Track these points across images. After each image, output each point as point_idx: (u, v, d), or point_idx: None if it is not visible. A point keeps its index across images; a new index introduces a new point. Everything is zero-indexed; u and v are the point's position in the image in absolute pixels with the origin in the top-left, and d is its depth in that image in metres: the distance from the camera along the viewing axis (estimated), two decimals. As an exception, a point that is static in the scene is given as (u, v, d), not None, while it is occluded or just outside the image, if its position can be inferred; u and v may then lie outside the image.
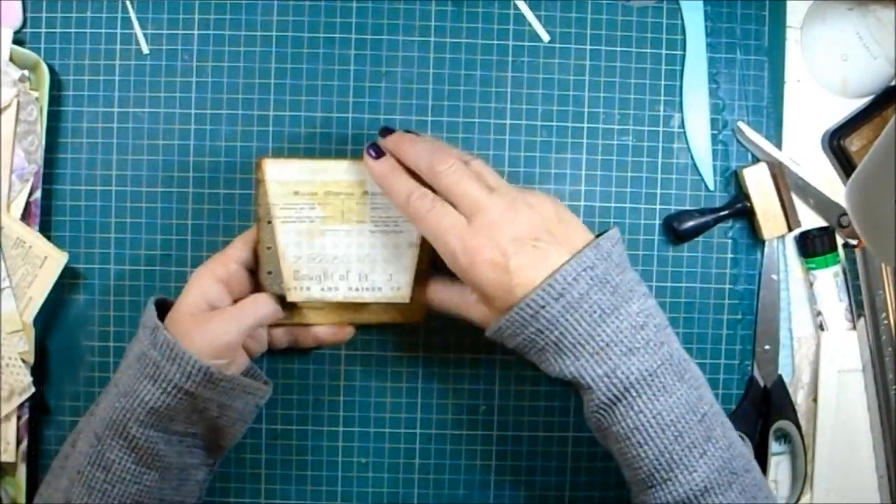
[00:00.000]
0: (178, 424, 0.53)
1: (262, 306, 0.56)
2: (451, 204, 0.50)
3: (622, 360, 0.48)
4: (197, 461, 0.56)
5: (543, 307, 0.48)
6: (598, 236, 0.50)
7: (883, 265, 0.63)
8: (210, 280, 0.55)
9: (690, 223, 0.63)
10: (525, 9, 0.63)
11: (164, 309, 0.55)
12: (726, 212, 0.63)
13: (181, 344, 0.52)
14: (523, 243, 0.49)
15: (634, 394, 0.47)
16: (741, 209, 0.63)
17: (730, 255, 0.65)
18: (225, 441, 0.57)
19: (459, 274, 0.51)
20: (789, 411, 0.64)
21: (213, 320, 0.54)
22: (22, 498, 0.60)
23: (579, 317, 0.48)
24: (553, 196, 0.53)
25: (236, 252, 0.57)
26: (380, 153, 0.53)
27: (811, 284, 0.65)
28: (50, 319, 0.62)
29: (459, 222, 0.50)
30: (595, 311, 0.48)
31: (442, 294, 0.56)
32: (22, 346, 0.59)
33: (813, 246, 0.64)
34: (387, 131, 0.54)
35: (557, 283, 0.47)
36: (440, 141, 0.56)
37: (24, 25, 0.62)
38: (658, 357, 0.48)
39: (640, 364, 0.48)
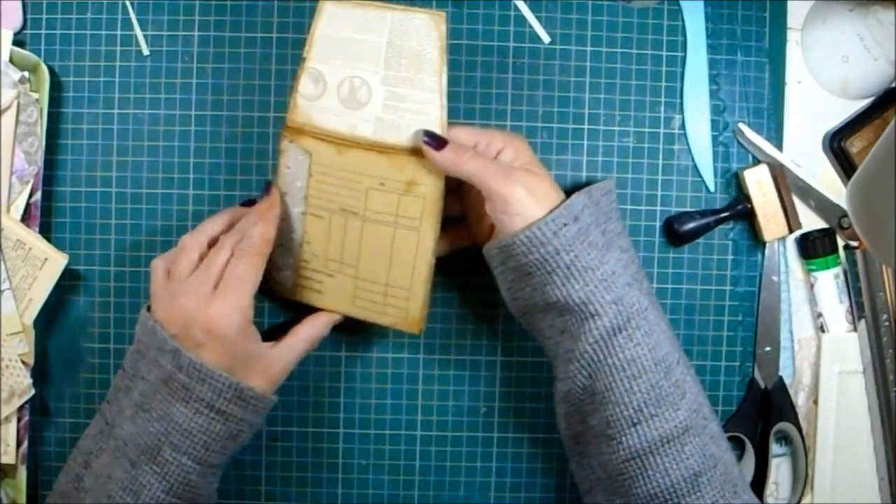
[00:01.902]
0: (213, 456, 0.53)
1: (320, 329, 0.57)
2: None
3: (626, 290, 0.50)
4: (216, 486, 0.56)
5: (564, 226, 0.49)
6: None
7: (884, 266, 0.63)
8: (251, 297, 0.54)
9: (691, 225, 0.63)
10: (525, 10, 0.63)
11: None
12: (727, 213, 0.63)
13: (207, 364, 0.51)
14: (544, 175, 0.53)
15: (635, 324, 0.49)
16: (742, 211, 0.63)
17: (730, 257, 0.65)
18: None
19: (490, 191, 0.51)
20: (790, 413, 0.64)
21: (273, 354, 0.55)
22: (22, 499, 0.60)
23: (590, 243, 0.50)
24: None
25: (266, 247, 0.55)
26: (440, 143, 0.54)
27: (812, 286, 0.65)
28: (50, 321, 0.62)
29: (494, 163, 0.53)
30: (598, 243, 0.50)
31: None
32: (22, 347, 0.59)
33: (814, 247, 0.64)
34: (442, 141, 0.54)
35: (574, 207, 0.50)
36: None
37: (24, 27, 0.62)
38: (646, 293, 0.51)
39: (638, 295, 0.50)
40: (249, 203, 0.58)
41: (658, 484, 0.49)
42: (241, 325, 0.52)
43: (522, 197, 0.50)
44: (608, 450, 0.50)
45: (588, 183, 0.55)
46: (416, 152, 0.55)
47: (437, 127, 0.54)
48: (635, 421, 0.49)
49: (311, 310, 0.59)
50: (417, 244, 0.56)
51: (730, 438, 0.65)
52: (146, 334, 0.53)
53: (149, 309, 0.55)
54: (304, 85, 0.56)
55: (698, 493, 0.49)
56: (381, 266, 0.57)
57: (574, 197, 0.51)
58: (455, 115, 0.63)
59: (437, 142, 0.53)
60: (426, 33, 0.54)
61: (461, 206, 0.59)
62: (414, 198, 0.55)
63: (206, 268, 0.53)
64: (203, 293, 0.52)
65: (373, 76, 0.55)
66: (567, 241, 0.49)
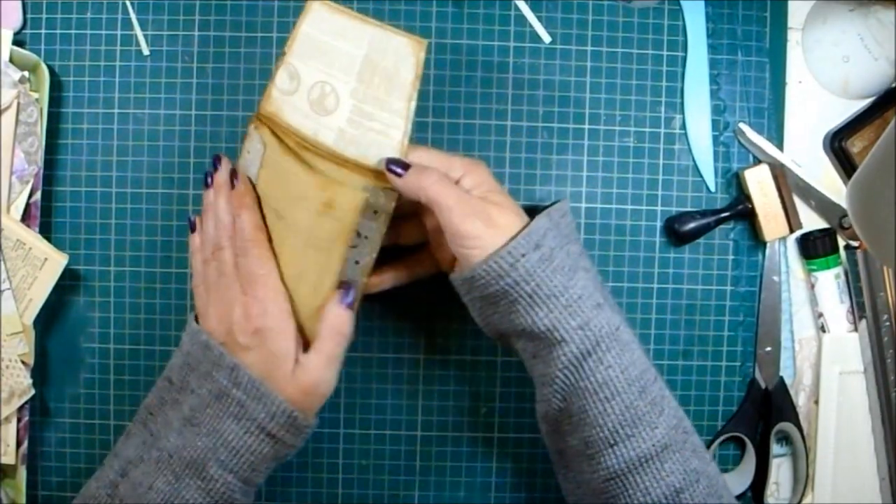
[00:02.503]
0: (258, 476, 0.52)
1: (347, 327, 0.53)
2: None
3: (593, 314, 0.49)
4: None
5: (524, 255, 0.49)
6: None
7: (884, 266, 0.63)
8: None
9: (691, 224, 0.63)
10: (526, 10, 0.63)
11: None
12: (727, 213, 0.63)
13: (267, 384, 0.51)
14: (505, 203, 0.52)
15: (605, 347, 0.49)
16: (742, 211, 0.63)
17: (731, 257, 0.65)
18: None
19: (448, 223, 0.50)
20: (791, 413, 0.64)
21: (306, 362, 0.52)
22: (22, 499, 0.60)
23: (553, 269, 0.49)
24: None
25: None
26: (404, 168, 0.52)
27: (812, 286, 0.65)
28: (50, 321, 0.62)
29: (456, 188, 0.51)
30: (564, 266, 0.50)
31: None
32: (22, 347, 0.59)
33: (814, 247, 0.64)
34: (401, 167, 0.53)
35: (534, 234, 0.49)
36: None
37: (24, 27, 0.62)
38: (617, 313, 0.51)
39: (608, 318, 0.50)
40: (209, 179, 0.56)
41: (640, 502, 0.48)
42: (279, 315, 0.52)
43: (480, 230, 0.49)
44: (589, 469, 0.50)
45: (543, 206, 0.53)
46: (372, 172, 0.53)
47: (398, 152, 0.53)
48: (612, 442, 0.48)
49: None
50: (324, 267, 0.54)
51: (730, 438, 0.65)
52: (198, 348, 0.53)
53: (196, 320, 0.55)
54: (281, 78, 0.55)
55: None
56: (292, 278, 0.55)
57: (534, 223, 0.50)
58: (455, 114, 0.63)
59: (401, 167, 0.51)
60: (404, 57, 0.53)
61: (421, 232, 0.57)
62: (332, 220, 0.53)
63: (221, 273, 0.53)
64: (232, 297, 0.52)
65: (343, 86, 0.54)
66: (527, 271, 0.49)
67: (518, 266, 0.49)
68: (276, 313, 0.52)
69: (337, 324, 0.53)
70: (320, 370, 0.52)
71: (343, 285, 0.53)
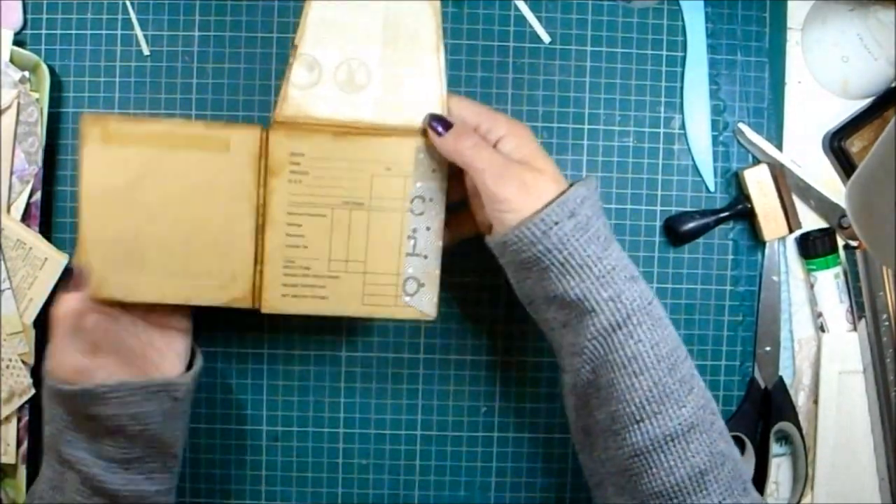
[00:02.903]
0: (108, 449, 0.52)
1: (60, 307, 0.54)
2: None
3: (626, 286, 0.49)
4: (155, 487, 0.54)
5: (557, 223, 0.48)
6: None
7: (884, 266, 0.63)
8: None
9: (691, 224, 0.63)
10: (526, 10, 0.63)
11: None
12: (727, 213, 0.63)
13: (56, 384, 0.52)
14: (545, 169, 0.51)
15: (636, 321, 0.48)
16: (742, 210, 0.63)
17: (730, 257, 0.65)
18: (170, 448, 0.55)
19: (483, 187, 0.51)
20: (790, 413, 0.64)
21: (50, 352, 0.54)
22: (22, 499, 0.60)
23: (588, 238, 0.49)
24: None
25: None
26: (446, 126, 0.53)
27: (812, 286, 0.65)
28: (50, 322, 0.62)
29: (496, 153, 0.51)
30: (600, 236, 0.49)
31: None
32: (22, 347, 0.59)
33: (814, 247, 0.64)
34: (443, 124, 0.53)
35: (570, 202, 0.49)
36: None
37: (24, 27, 0.62)
38: (649, 289, 0.50)
39: (641, 291, 0.49)
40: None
41: (663, 482, 0.48)
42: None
43: (514, 195, 0.50)
44: (614, 445, 0.50)
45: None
46: (420, 132, 0.54)
47: (438, 106, 0.54)
48: (638, 418, 0.48)
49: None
50: (395, 231, 0.55)
51: (730, 438, 0.65)
52: None
53: None
54: (297, 74, 0.54)
55: (704, 492, 0.48)
56: (392, 256, 0.55)
57: (571, 191, 0.50)
58: (455, 114, 0.63)
59: (443, 125, 0.52)
60: (421, 12, 0.54)
61: (463, 191, 0.57)
62: (392, 178, 0.54)
63: None
64: None
65: (371, 58, 0.54)
66: (560, 239, 0.49)
67: (551, 233, 0.49)
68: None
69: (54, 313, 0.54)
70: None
71: None
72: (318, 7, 0.54)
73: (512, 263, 0.52)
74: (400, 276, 0.55)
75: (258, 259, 0.55)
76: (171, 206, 0.54)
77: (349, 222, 0.55)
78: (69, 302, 0.53)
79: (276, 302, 0.55)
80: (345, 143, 0.54)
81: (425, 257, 0.55)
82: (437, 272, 0.55)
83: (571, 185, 0.51)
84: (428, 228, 0.55)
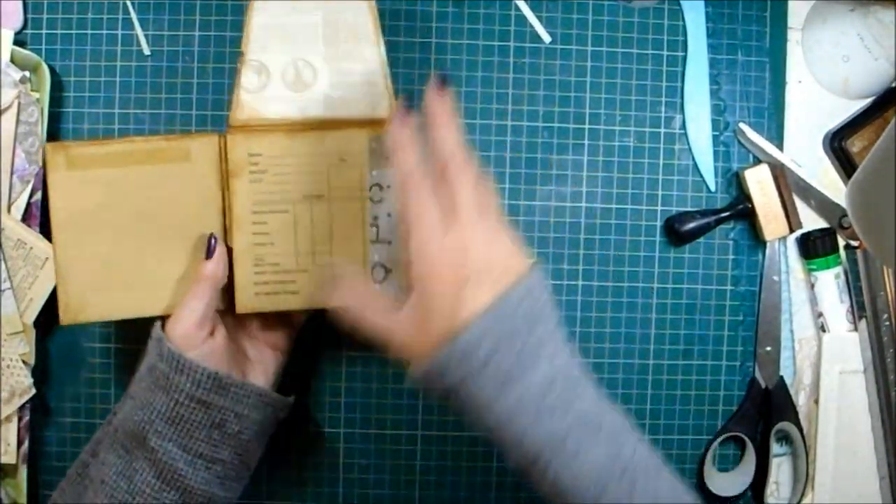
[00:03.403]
0: (200, 444, 0.52)
1: (209, 272, 0.54)
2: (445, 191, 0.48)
3: (529, 427, 0.45)
4: (224, 493, 0.54)
5: (448, 369, 0.45)
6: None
7: (884, 266, 0.63)
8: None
9: (691, 224, 0.63)
10: (526, 10, 0.63)
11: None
12: (727, 213, 0.63)
13: (186, 354, 0.51)
14: (484, 278, 0.46)
15: (547, 458, 0.45)
16: (742, 210, 0.63)
17: (731, 257, 0.65)
18: (251, 459, 0.56)
19: (412, 275, 0.48)
20: (790, 413, 0.64)
21: (177, 312, 0.53)
22: (23, 499, 0.60)
23: (483, 383, 0.45)
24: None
25: None
26: (406, 116, 0.49)
27: (812, 286, 0.65)
28: (51, 321, 0.62)
29: (437, 227, 0.47)
30: (498, 377, 0.45)
31: (356, 299, 0.51)
32: (22, 347, 0.59)
33: (814, 247, 0.64)
34: (442, 82, 0.49)
35: (458, 346, 0.44)
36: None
37: (25, 27, 0.62)
38: (569, 417, 0.45)
39: (547, 429, 0.45)
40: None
41: None
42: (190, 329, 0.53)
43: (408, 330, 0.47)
44: None
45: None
46: (370, 123, 0.55)
47: (385, 96, 0.56)
48: None
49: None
50: (353, 219, 0.56)
51: (730, 438, 0.65)
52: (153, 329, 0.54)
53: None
54: (247, 78, 0.56)
55: None
56: (357, 245, 0.56)
57: (469, 332, 0.44)
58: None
59: (402, 117, 0.49)
60: (358, 6, 0.56)
61: None
62: (347, 170, 0.55)
63: None
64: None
65: (315, 56, 0.56)
66: (456, 382, 0.45)
67: (445, 376, 0.45)
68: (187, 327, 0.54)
69: (200, 276, 0.54)
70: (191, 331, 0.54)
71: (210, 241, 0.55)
72: (260, 13, 0.56)
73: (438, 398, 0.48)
74: (367, 265, 0.56)
75: (229, 261, 0.56)
76: (140, 220, 0.55)
77: (311, 215, 0.56)
78: (218, 265, 0.54)
79: (249, 301, 0.56)
80: (299, 139, 0.56)
81: (389, 243, 0.56)
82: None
83: (468, 325, 0.45)
84: (389, 215, 0.56)
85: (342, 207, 0.56)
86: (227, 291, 0.56)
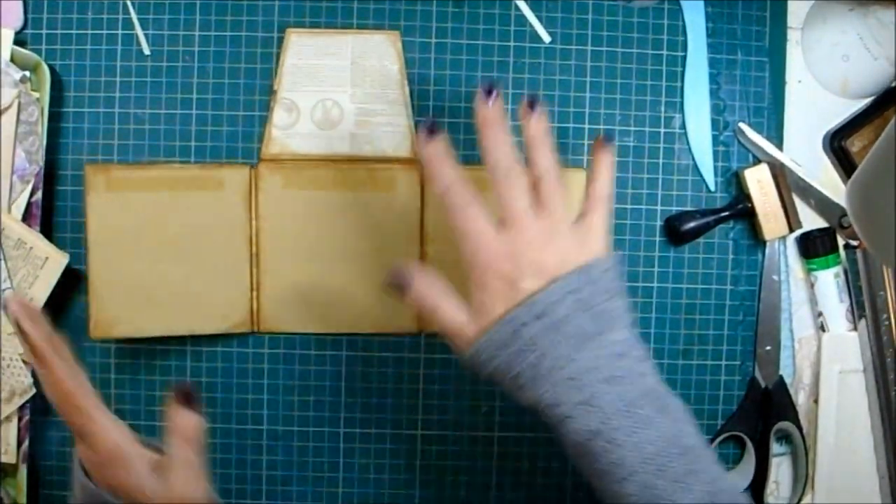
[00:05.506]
0: None
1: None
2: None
3: (601, 388, 0.45)
4: None
5: (524, 325, 0.45)
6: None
7: (884, 266, 0.63)
8: None
9: (691, 224, 0.63)
10: (526, 9, 0.63)
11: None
12: (727, 213, 0.63)
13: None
14: (542, 273, 0.47)
15: (615, 424, 0.45)
16: (742, 210, 0.63)
17: (731, 256, 0.65)
18: None
19: (470, 276, 0.48)
20: (790, 412, 0.64)
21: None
22: (23, 499, 0.60)
23: (560, 339, 0.45)
24: (605, 244, 0.49)
25: None
26: (432, 131, 0.49)
27: (812, 285, 0.65)
28: (51, 320, 0.62)
29: (488, 230, 0.48)
30: (576, 336, 0.46)
31: (427, 290, 0.50)
32: (23, 347, 0.59)
33: (814, 247, 0.64)
34: (532, 104, 0.50)
35: (539, 303, 0.46)
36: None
37: (25, 26, 0.62)
38: (638, 387, 0.46)
39: (619, 392, 0.45)
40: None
41: None
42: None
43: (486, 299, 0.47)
44: None
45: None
46: (393, 161, 0.60)
47: (407, 136, 0.61)
48: None
49: None
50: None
51: (730, 437, 0.65)
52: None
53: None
54: (278, 115, 0.61)
55: None
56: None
57: (551, 288, 0.46)
58: (456, 114, 0.63)
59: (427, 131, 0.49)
60: (385, 51, 0.61)
61: None
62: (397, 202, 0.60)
63: None
64: None
65: (342, 96, 0.60)
66: (530, 340, 0.45)
67: (518, 336, 0.46)
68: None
69: (182, 427, 0.47)
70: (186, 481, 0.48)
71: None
72: (293, 52, 0.61)
73: (490, 377, 0.48)
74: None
75: (253, 286, 0.61)
76: (172, 244, 0.59)
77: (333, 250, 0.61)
78: (197, 430, 0.47)
79: (272, 323, 0.61)
80: (324, 171, 0.61)
81: None
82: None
83: (552, 281, 0.46)
84: None
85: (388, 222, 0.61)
86: None
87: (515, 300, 0.46)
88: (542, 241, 0.47)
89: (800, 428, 0.64)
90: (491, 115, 0.49)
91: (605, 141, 0.52)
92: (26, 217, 0.60)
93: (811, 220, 0.65)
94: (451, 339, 0.49)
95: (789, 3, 0.65)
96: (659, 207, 0.64)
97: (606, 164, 0.52)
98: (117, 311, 0.59)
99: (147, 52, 0.62)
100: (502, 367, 0.47)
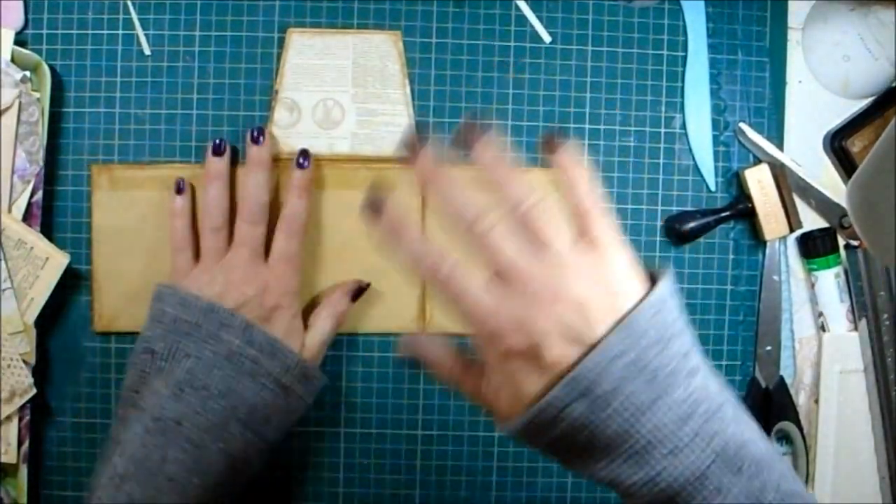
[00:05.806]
0: (272, 432, 0.54)
1: (340, 303, 0.60)
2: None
3: (666, 462, 0.39)
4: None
5: (567, 406, 0.39)
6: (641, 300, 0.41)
7: (884, 266, 0.63)
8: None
9: (692, 224, 0.63)
10: (526, 10, 0.63)
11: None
12: (728, 213, 0.63)
13: (281, 340, 0.54)
14: (567, 334, 0.40)
15: (684, 499, 0.40)
16: (742, 210, 0.63)
17: (731, 256, 0.65)
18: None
19: (484, 356, 0.43)
20: (791, 412, 0.64)
21: (306, 343, 0.58)
22: (23, 499, 0.60)
23: (611, 414, 0.39)
24: (623, 249, 0.43)
25: None
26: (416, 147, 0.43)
27: (812, 285, 0.65)
28: (51, 320, 0.62)
29: (484, 295, 0.41)
30: (630, 407, 0.39)
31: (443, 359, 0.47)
32: (23, 346, 0.59)
33: (814, 247, 0.64)
34: (557, 138, 0.43)
35: (580, 379, 0.39)
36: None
37: (25, 26, 0.62)
38: (708, 453, 0.40)
39: (686, 464, 0.39)
40: (218, 150, 0.59)
41: None
42: (295, 296, 0.57)
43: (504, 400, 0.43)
44: None
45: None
46: (394, 161, 0.60)
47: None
48: None
49: None
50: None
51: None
52: (194, 312, 0.53)
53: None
54: (280, 114, 0.61)
55: None
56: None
57: (591, 359, 0.39)
58: (456, 114, 0.63)
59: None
60: (386, 51, 0.61)
61: None
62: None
63: (244, 244, 0.56)
64: (257, 271, 0.56)
65: (343, 95, 0.61)
66: (578, 420, 0.39)
67: (563, 417, 0.40)
68: (294, 294, 0.57)
69: (340, 310, 0.59)
70: (317, 349, 0.58)
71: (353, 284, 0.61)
72: (294, 52, 0.61)
73: (539, 450, 0.43)
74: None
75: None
76: None
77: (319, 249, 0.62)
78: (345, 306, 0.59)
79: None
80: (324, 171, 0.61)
81: None
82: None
83: (590, 350, 0.39)
84: None
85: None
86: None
87: (546, 377, 0.40)
88: (552, 288, 0.40)
89: (800, 428, 0.64)
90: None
91: (558, 139, 0.43)
92: (27, 217, 0.60)
93: (812, 221, 0.65)
94: (485, 411, 0.45)
95: (790, 3, 0.65)
96: (659, 207, 0.64)
97: (573, 164, 0.43)
98: (120, 305, 0.61)
99: (147, 52, 0.62)
100: (552, 446, 0.42)
